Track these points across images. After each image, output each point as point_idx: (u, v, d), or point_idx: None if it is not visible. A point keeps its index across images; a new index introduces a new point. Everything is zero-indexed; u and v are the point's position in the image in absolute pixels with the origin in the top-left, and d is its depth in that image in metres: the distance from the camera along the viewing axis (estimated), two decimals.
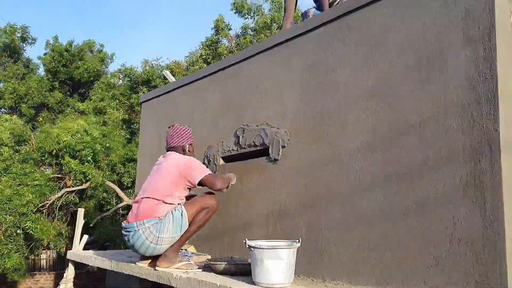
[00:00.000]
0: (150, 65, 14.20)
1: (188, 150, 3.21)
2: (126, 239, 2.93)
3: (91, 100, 14.17)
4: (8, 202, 8.36)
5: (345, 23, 2.72)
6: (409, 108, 2.29)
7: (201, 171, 2.99)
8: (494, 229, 1.89)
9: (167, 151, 3.21)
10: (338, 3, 3.56)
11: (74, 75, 15.40)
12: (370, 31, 2.56)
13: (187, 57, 14.29)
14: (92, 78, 15.89)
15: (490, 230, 1.90)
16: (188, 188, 3.03)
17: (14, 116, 12.70)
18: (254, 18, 13.08)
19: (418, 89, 2.26)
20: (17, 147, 9.70)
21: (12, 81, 15.45)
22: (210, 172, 3.06)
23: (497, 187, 1.90)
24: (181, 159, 3.06)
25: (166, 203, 2.90)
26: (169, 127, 3.29)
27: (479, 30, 2.05)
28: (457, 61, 2.12)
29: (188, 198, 3.11)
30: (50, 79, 15.82)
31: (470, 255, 1.96)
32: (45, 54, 16.09)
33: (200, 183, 2.98)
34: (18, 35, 17.02)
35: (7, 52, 16.76)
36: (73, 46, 15.86)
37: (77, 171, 9.38)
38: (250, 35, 12.96)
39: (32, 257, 12.22)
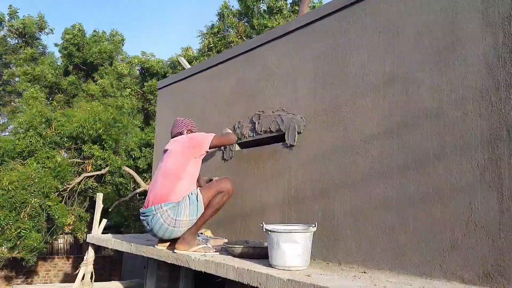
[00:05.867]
0: (158, 57, 14.27)
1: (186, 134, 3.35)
2: (145, 223, 3.01)
3: (97, 84, 14.26)
4: (33, 184, 8.55)
5: (361, 8, 2.71)
6: (426, 94, 2.29)
7: (207, 137, 3.17)
8: (511, 214, 1.89)
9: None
10: None
11: (88, 57, 15.55)
12: (387, 17, 2.54)
13: (180, 54, 14.28)
14: (106, 62, 16.03)
15: (507, 215, 1.91)
16: (200, 157, 3.15)
17: (37, 91, 12.83)
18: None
19: (436, 75, 2.26)
20: (41, 130, 9.84)
21: (25, 64, 15.67)
22: (214, 134, 3.23)
23: None
24: (183, 136, 3.25)
25: (181, 180, 2.98)
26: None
27: (499, 15, 2.03)
28: (476, 46, 2.10)
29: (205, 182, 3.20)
30: (65, 61, 16.01)
31: (486, 240, 1.97)
32: (62, 42, 16.28)
33: (212, 146, 3.18)
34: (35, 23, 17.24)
35: (23, 39, 16.96)
36: (87, 34, 16.07)
37: (98, 156, 9.55)
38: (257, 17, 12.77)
39: (50, 242, 12.52)
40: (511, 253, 1.88)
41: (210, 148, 3.17)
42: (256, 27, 12.05)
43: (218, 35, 12.88)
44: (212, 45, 12.78)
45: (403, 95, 2.40)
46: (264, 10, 12.67)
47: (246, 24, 13.11)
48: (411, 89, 2.36)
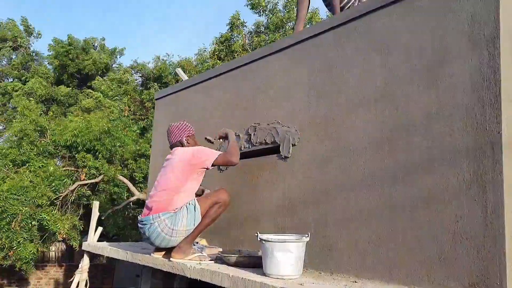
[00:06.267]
0: (162, 61, 14.41)
1: (187, 142, 3.33)
2: (142, 231, 3.07)
3: (91, 97, 14.31)
4: (24, 193, 8.57)
5: (354, 27, 2.82)
6: (415, 110, 2.39)
7: (210, 155, 3.13)
8: (495, 226, 1.98)
9: (171, 149, 3.36)
10: (349, 7, 3.64)
11: (82, 68, 15.59)
12: (378, 35, 2.65)
13: (196, 54, 14.47)
14: (100, 72, 16.09)
15: (491, 228, 2.00)
16: (201, 173, 3.17)
17: (32, 101, 12.87)
18: (268, 16, 13.17)
19: (424, 92, 2.36)
20: (34, 139, 9.88)
21: (16, 75, 15.69)
22: (219, 152, 3.19)
23: (498, 186, 1.99)
24: (187, 150, 3.20)
25: (179, 194, 3.04)
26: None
27: (484, 36, 2.14)
28: (462, 65, 2.21)
29: (201, 194, 3.26)
30: (58, 73, 16.03)
31: (472, 251, 2.06)
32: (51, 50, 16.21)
33: (214, 164, 3.13)
34: (21, 27, 17.20)
35: (10, 45, 16.89)
36: (78, 43, 16.10)
37: (91, 166, 9.59)
38: (263, 33, 13.08)
39: (42, 249, 12.49)
40: (494, 264, 1.97)
41: (212, 166, 3.14)
42: (263, 42, 12.33)
43: (224, 43, 13.11)
44: (217, 52, 13.02)
45: (393, 109, 2.50)
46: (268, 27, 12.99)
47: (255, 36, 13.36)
48: (401, 104, 2.46)
